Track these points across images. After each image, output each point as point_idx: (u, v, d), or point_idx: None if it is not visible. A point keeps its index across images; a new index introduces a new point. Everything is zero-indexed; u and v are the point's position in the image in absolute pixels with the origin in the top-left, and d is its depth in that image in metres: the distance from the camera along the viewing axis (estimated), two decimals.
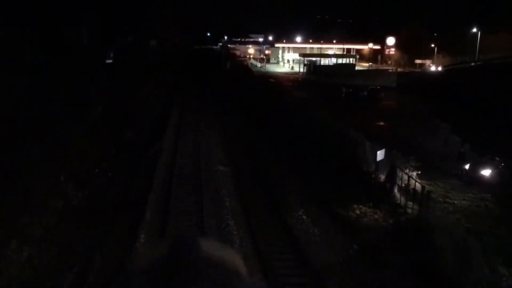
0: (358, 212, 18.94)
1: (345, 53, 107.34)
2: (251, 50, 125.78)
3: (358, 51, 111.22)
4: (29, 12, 22.37)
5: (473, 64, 74.60)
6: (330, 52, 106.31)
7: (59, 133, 19.99)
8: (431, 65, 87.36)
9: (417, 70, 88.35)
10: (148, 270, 1.26)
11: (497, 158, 25.66)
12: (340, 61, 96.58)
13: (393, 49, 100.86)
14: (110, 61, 51.49)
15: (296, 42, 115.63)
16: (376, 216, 18.63)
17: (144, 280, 1.25)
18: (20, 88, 19.68)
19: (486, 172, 24.19)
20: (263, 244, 15.22)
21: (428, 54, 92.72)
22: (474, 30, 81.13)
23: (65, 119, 21.55)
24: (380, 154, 22.14)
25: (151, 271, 1.26)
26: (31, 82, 20.68)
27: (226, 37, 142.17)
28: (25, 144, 17.30)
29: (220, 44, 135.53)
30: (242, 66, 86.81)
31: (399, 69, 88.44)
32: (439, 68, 79.69)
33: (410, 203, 19.04)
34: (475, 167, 24.52)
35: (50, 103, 21.36)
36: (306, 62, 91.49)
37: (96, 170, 21.03)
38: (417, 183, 19.72)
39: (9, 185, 15.16)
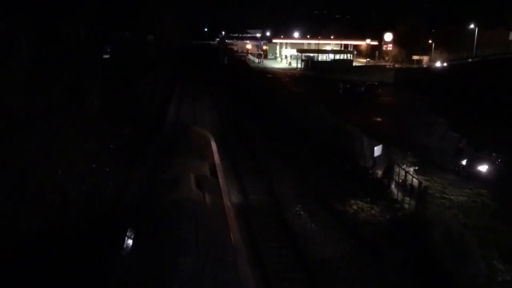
0: (355, 207, 18.98)
1: (342, 49, 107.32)
2: (248, 45, 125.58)
3: (355, 47, 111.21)
4: (26, 5, 22.22)
5: (470, 60, 74.65)
6: (328, 48, 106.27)
7: (55, 126, 19.92)
8: (434, 61, 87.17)
9: (414, 66, 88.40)
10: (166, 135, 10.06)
11: (494, 154, 25.77)
12: (337, 57, 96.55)
13: (390, 45, 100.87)
14: (107, 56, 51.31)
15: (293, 38, 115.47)
16: (373, 212, 18.68)
17: (165, 141, 10.68)
18: (17, 81, 19.60)
19: (483, 168, 24.27)
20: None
21: (425, 50, 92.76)
22: (472, 26, 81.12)
23: (62, 112, 21.48)
24: (378, 150, 22.16)
25: (168, 135, 9.51)
26: (28, 75, 20.59)
27: (223, 33, 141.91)
28: (22, 137, 17.25)
29: (218, 39, 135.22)
30: (239, 62, 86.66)
31: (396, 65, 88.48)
32: (444, 64, 79.39)
33: (407, 199, 19.08)
34: (472, 163, 24.60)
35: (47, 96, 21.28)
36: (303, 58, 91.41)
37: (94, 165, 20.97)
38: (414, 179, 19.76)
39: (5, 179, 15.12)
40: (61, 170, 18.06)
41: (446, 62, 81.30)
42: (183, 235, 6.64)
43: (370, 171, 22.51)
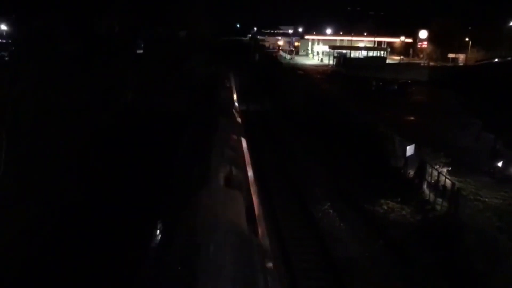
0: (385, 207, 18.71)
1: (376, 46, 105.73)
2: (280, 41, 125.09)
3: (389, 44, 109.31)
4: (62, 2, 22.79)
5: (509, 58, 72.26)
6: (361, 44, 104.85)
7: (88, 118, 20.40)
8: (471, 59, 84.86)
9: (450, 64, 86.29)
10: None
11: None
12: (370, 54, 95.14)
13: (425, 43, 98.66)
14: (141, 51, 52.09)
15: (326, 34, 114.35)
16: (403, 212, 18.38)
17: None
18: (56, 75, 20.14)
19: None
20: None
21: (461, 48, 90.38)
22: (511, 24, 78.61)
23: (96, 105, 21.96)
24: (410, 149, 21.78)
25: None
26: (66, 70, 21.14)
27: (255, 29, 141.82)
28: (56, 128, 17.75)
29: (249, 35, 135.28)
30: (271, 58, 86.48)
31: (431, 63, 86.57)
32: (480, 62, 76.95)
33: (439, 200, 18.68)
34: (508, 165, 23.83)
35: (83, 90, 21.79)
36: (335, 55, 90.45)
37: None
38: (447, 180, 19.31)
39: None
40: None
41: (483, 60, 79.11)
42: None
43: (402, 171, 22.14)
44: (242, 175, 9.66)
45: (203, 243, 6.19)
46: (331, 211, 17.93)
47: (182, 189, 8.88)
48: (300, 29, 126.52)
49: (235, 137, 11.71)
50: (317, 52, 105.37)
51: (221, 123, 11.90)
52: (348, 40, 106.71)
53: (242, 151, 11.19)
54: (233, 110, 15.99)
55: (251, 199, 8.60)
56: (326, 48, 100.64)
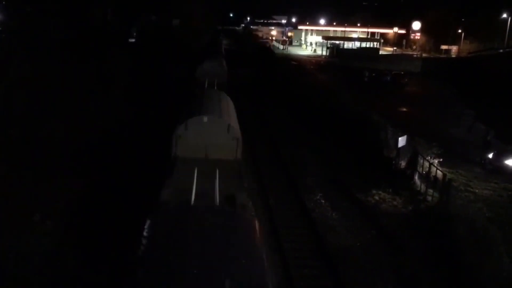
0: (377, 197, 18.83)
1: (369, 37, 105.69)
2: (273, 32, 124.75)
3: (382, 35, 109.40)
4: None
5: (501, 50, 72.52)
6: (354, 35, 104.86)
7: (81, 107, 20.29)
8: (463, 51, 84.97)
9: (443, 55, 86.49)
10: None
11: None
12: (364, 45, 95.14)
13: (418, 34, 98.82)
14: (133, 40, 51.63)
15: (319, 25, 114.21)
16: (395, 203, 18.51)
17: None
18: (47, 62, 19.97)
19: (511, 162, 23.69)
20: None
21: (454, 39, 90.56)
22: (504, 15, 78.73)
23: (89, 94, 21.83)
24: (402, 140, 21.87)
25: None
26: (57, 57, 20.95)
27: (249, 18, 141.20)
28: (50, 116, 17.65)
29: (243, 25, 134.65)
30: (264, 48, 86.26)
31: (424, 55, 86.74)
32: (473, 54, 77.08)
33: (430, 191, 18.82)
34: (500, 156, 24.01)
35: (75, 77, 21.64)
36: (329, 45, 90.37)
37: None
38: (438, 171, 19.44)
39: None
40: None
41: (476, 52, 79.35)
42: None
43: (394, 162, 22.26)
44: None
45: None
46: (323, 201, 18.00)
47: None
48: (294, 19, 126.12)
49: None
50: (310, 42, 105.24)
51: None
52: (341, 31, 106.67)
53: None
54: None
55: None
56: (319, 39, 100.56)
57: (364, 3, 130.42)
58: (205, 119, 12.25)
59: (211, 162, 11.08)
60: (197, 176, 8.60)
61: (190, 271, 5.82)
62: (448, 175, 19.16)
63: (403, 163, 21.97)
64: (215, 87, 19.37)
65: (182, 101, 16.82)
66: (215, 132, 12.06)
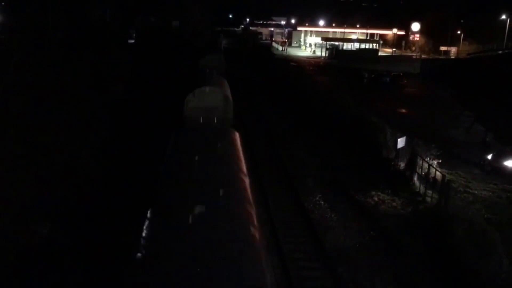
0: (376, 199, 18.83)
1: (368, 38, 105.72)
2: (273, 33, 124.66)
3: (381, 36, 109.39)
4: None
5: (500, 52, 72.56)
6: (353, 36, 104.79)
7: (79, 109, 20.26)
8: (462, 52, 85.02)
9: (442, 57, 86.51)
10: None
11: None
12: (363, 46, 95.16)
13: (417, 35, 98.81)
14: (133, 41, 51.64)
15: (318, 26, 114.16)
16: (394, 204, 18.51)
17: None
18: (46, 62, 19.97)
19: (510, 163, 23.71)
20: None
21: (454, 41, 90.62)
22: (503, 17, 78.79)
23: (87, 95, 21.82)
24: (401, 141, 21.89)
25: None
26: (56, 57, 20.95)
27: (248, 19, 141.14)
28: (49, 118, 17.64)
29: (242, 26, 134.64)
30: (263, 49, 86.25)
31: (423, 56, 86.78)
32: (472, 55, 77.15)
33: (429, 192, 18.84)
34: (498, 158, 24.04)
35: (73, 78, 21.63)
36: (328, 47, 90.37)
37: None
38: (437, 172, 19.46)
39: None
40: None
41: (475, 53, 79.39)
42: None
43: (393, 163, 22.27)
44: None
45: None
46: (322, 202, 18.00)
47: None
48: (293, 21, 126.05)
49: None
50: (309, 43, 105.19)
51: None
52: (340, 32, 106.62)
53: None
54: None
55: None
56: (318, 40, 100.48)
57: (363, 4, 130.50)
58: (207, 89, 17.29)
59: (211, 117, 15.77)
60: (201, 123, 14.25)
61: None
62: (447, 176, 19.18)
63: (402, 164, 21.99)
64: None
65: (189, 83, 20.65)
66: (214, 98, 16.95)
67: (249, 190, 9.09)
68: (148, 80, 32.32)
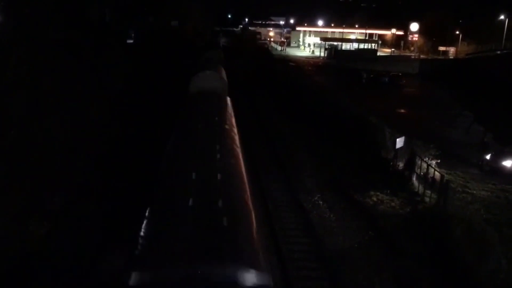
0: (375, 199, 18.86)
1: (367, 38, 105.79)
2: (272, 33, 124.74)
3: (380, 36, 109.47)
4: None
5: (499, 52, 72.69)
6: (352, 36, 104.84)
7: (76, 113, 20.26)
8: (461, 52, 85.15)
9: (440, 57, 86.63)
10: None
11: None
12: (362, 46, 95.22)
13: (416, 35, 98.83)
14: (131, 41, 51.57)
15: (317, 26, 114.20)
16: (393, 204, 18.54)
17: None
18: (43, 63, 19.94)
19: (508, 163, 23.76)
20: None
21: (452, 41, 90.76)
22: (502, 17, 78.93)
23: (85, 97, 21.83)
24: (400, 142, 21.93)
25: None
26: (54, 58, 20.91)
27: (247, 19, 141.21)
28: (49, 118, 17.64)
29: (241, 26, 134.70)
30: (262, 49, 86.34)
31: (422, 56, 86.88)
32: (471, 55, 77.28)
33: (428, 192, 18.88)
34: (497, 158, 24.09)
35: (71, 79, 21.61)
36: (327, 47, 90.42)
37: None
38: (436, 172, 19.50)
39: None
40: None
41: (473, 53, 79.53)
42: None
43: (392, 163, 22.31)
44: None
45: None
46: (321, 202, 18.03)
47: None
48: (292, 21, 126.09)
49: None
50: (308, 44, 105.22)
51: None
52: (339, 32, 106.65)
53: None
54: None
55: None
56: (317, 40, 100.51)
57: (362, 5, 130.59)
58: (208, 72, 20.78)
59: (210, 92, 18.63)
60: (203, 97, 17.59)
61: None
62: (446, 176, 19.22)
63: (401, 165, 22.02)
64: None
65: (191, 71, 23.44)
66: (213, 79, 20.09)
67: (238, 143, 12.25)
68: (148, 78, 32.52)
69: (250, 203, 8.30)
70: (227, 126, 13.18)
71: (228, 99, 18.73)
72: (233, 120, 14.81)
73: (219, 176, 8.78)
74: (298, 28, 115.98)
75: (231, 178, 9.17)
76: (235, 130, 13.55)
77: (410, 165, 21.25)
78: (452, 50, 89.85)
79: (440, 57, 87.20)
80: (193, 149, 10.69)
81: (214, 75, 20.82)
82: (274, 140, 26.35)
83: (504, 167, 23.62)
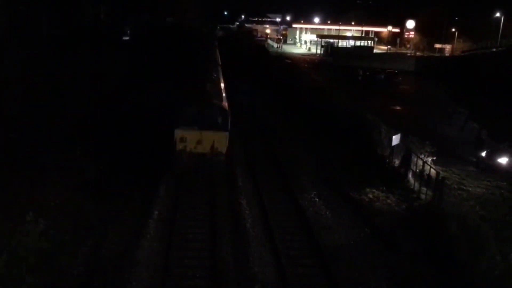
0: (371, 196, 18.88)
1: (363, 35, 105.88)
2: (268, 30, 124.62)
3: (376, 33, 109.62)
4: None
5: (494, 49, 72.85)
6: (348, 34, 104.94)
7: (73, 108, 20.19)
8: (457, 50, 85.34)
9: (436, 54, 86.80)
10: None
11: None
12: (358, 43, 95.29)
13: (412, 33, 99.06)
14: (127, 38, 51.45)
15: (313, 23, 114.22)
16: (389, 201, 18.56)
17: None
18: (38, 60, 19.87)
19: (503, 160, 23.84)
20: None
21: (448, 38, 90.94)
22: (497, 14, 79.11)
23: (80, 92, 21.77)
24: (396, 139, 21.94)
25: None
26: (49, 54, 20.84)
27: (243, 16, 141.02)
28: (41, 116, 17.56)
29: (237, 23, 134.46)
30: (258, 46, 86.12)
31: (418, 53, 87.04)
32: (466, 53, 77.44)
33: (424, 189, 18.90)
34: (492, 155, 24.16)
35: (67, 75, 21.55)
36: (323, 44, 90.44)
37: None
38: (431, 169, 19.53)
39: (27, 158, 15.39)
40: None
41: (469, 51, 79.68)
42: None
43: (387, 160, 22.32)
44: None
45: None
46: (317, 199, 18.02)
47: None
48: (288, 18, 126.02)
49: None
50: (304, 41, 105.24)
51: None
52: (335, 29, 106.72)
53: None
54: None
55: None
56: (313, 37, 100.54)
57: (358, 2, 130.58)
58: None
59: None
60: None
61: None
62: (441, 174, 19.25)
63: (396, 162, 22.04)
64: None
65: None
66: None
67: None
68: (143, 73, 32.65)
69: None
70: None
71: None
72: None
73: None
74: (294, 25, 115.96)
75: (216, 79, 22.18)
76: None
77: (406, 162, 21.26)
78: (448, 47, 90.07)
79: (436, 54, 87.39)
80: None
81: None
82: (270, 136, 26.33)
83: (499, 164, 23.70)
